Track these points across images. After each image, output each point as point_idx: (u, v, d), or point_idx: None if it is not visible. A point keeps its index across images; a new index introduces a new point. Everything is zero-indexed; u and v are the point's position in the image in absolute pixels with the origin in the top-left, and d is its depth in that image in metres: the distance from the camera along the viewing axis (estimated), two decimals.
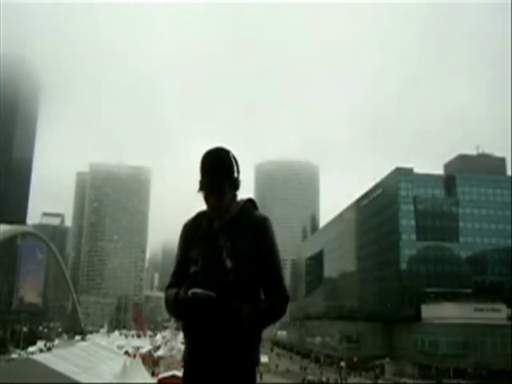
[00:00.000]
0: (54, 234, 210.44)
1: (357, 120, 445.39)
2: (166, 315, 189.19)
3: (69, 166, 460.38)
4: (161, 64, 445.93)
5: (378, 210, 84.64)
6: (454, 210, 79.00)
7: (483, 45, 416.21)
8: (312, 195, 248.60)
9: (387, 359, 69.81)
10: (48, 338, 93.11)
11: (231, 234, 2.16)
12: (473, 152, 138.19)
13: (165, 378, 30.25)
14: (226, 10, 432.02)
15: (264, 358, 67.77)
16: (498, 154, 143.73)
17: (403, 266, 76.26)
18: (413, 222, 77.17)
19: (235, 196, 2.22)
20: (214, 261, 2.13)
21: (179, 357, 60.63)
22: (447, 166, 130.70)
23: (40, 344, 78.66)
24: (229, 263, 2.11)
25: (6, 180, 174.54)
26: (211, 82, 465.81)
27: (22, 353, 66.29)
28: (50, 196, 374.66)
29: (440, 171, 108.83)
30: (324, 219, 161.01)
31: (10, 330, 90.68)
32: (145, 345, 73.46)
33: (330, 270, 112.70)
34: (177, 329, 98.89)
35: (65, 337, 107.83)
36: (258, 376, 2.32)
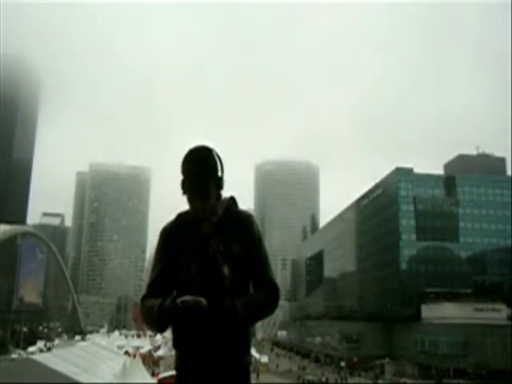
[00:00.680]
0: (54, 234, 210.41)
1: (357, 120, 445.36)
2: None
3: (69, 166, 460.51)
4: (161, 64, 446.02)
5: (377, 210, 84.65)
6: (453, 210, 79.01)
7: (483, 45, 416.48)
8: (312, 195, 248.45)
9: (387, 359, 69.81)
10: (48, 338, 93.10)
11: (223, 237, 2.10)
12: (473, 152, 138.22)
13: (165, 378, 30.23)
14: (225, 10, 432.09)
15: (264, 358, 67.83)
16: (498, 153, 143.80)
17: (403, 266, 76.28)
18: (413, 222, 77.18)
19: (220, 196, 2.16)
20: (210, 267, 2.05)
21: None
22: (447, 166, 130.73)
23: (40, 344, 78.64)
24: (226, 270, 2.05)
25: (6, 180, 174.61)
26: (211, 81, 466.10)
27: (22, 353, 66.29)
28: (50, 196, 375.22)
29: (440, 171, 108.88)
30: (324, 219, 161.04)
31: (10, 330, 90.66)
32: (145, 345, 73.50)
33: (329, 269, 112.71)
34: None
35: (65, 337, 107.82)
36: (254, 376, 2.31)
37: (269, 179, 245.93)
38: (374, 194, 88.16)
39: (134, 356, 29.41)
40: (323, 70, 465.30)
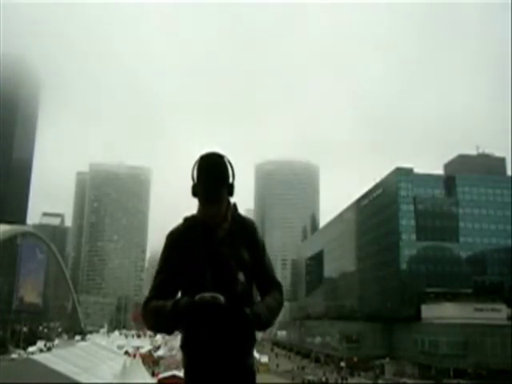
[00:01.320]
0: (54, 234, 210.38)
1: (357, 120, 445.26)
2: None
3: (69, 166, 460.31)
4: (161, 64, 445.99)
5: (377, 210, 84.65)
6: (454, 210, 79.00)
7: (483, 45, 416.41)
8: (312, 195, 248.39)
9: (387, 359, 69.81)
10: (48, 338, 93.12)
11: (234, 242, 2.17)
12: (473, 152, 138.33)
13: (165, 378, 30.30)
14: (225, 10, 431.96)
15: (264, 358, 67.84)
16: (498, 153, 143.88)
17: (403, 266, 76.27)
18: (413, 222, 77.17)
19: (229, 202, 2.22)
20: (223, 272, 2.10)
21: (179, 357, 60.74)
22: (447, 166, 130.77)
23: (40, 344, 78.67)
24: (239, 275, 2.12)
25: (6, 180, 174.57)
26: (211, 81, 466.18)
27: (22, 353, 66.32)
28: (50, 196, 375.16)
29: (440, 171, 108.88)
30: (324, 219, 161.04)
31: (10, 330, 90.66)
32: (145, 345, 73.54)
33: (329, 269, 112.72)
34: None
35: (65, 337, 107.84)
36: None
37: (269, 179, 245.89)
38: (374, 194, 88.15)
39: (134, 356, 29.44)
40: (323, 69, 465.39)
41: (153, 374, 36.01)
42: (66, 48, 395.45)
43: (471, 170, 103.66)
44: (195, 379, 2.11)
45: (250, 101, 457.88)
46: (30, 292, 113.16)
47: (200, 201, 2.14)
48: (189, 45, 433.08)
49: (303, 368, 72.90)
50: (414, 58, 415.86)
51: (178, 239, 2.19)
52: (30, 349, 71.36)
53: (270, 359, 73.56)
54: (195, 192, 2.12)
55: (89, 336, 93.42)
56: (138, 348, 63.46)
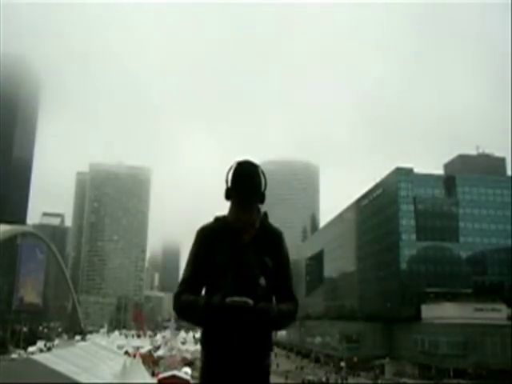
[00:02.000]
0: (54, 234, 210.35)
1: (357, 120, 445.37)
2: (165, 315, 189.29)
3: (69, 166, 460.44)
4: (161, 64, 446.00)
5: (377, 210, 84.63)
6: (454, 210, 78.98)
7: (483, 45, 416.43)
8: (312, 195, 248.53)
9: (387, 359, 69.77)
10: (48, 338, 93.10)
11: (258, 249, 2.26)
12: (473, 152, 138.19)
13: (165, 378, 30.27)
14: (224, 10, 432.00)
15: None
16: (498, 154, 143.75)
17: (403, 266, 76.24)
18: (413, 222, 77.14)
19: (259, 210, 2.36)
20: (246, 275, 2.21)
21: (179, 357, 60.74)
22: (447, 166, 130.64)
23: (40, 344, 78.65)
24: (261, 279, 2.22)
25: (6, 180, 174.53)
26: (211, 82, 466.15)
27: (22, 353, 66.28)
28: (50, 196, 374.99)
29: (440, 171, 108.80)
30: (324, 219, 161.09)
31: (10, 330, 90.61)
32: (145, 345, 73.49)
33: (329, 269, 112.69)
34: (177, 329, 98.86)
35: (65, 337, 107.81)
36: None
37: (269, 179, 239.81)
38: (374, 194, 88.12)
39: (134, 356, 29.45)
40: (323, 70, 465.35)
41: (153, 374, 35.98)
42: (65, 48, 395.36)
43: (471, 170, 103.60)
44: (212, 376, 2.22)
45: (250, 101, 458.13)
46: (30, 292, 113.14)
47: (233, 205, 2.27)
48: (189, 45, 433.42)
49: (302, 368, 72.93)
50: (414, 59, 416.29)
51: (207, 236, 2.30)
52: (30, 349, 71.31)
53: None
54: (228, 195, 2.26)
55: (89, 336, 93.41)
56: (138, 348, 63.42)
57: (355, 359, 72.10)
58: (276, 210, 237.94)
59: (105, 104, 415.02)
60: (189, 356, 61.23)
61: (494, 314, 63.65)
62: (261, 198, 2.29)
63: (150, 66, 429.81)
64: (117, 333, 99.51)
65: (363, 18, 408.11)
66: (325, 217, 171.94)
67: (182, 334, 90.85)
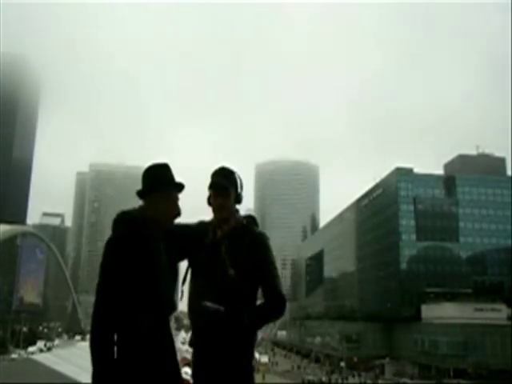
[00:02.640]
0: (53, 234, 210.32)
1: (357, 120, 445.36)
2: None
3: (69, 166, 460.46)
4: (161, 64, 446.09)
5: (378, 209, 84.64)
6: (453, 210, 79.00)
7: (483, 45, 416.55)
8: (312, 195, 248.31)
9: (387, 359, 69.78)
10: (48, 338, 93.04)
11: (231, 245, 2.36)
12: (473, 152, 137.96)
13: None
14: (221, 9, 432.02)
15: (264, 358, 67.86)
16: (497, 154, 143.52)
17: (403, 266, 76.27)
18: (413, 222, 77.16)
19: (237, 210, 2.49)
20: (215, 268, 2.33)
21: (179, 357, 60.54)
22: (447, 166, 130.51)
23: (40, 344, 78.57)
24: (231, 271, 2.30)
25: (6, 180, 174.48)
26: (211, 82, 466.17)
27: (22, 353, 66.21)
28: (50, 196, 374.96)
29: (440, 171, 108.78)
30: (324, 219, 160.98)
31: (10, 330, 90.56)
32: None
33: (329, 270, 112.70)
34: (177, 329, 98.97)
35: (65, 337, 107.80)
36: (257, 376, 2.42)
37: (269, 179, 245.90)
38: (374, 194, 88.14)
39: None
40: (323, 69, 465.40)
41: None
42: (66, 48, 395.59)
43: (471, 170, 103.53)
44: (197, 373, 2.36)
45: (249, 101, 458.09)
46: (30, 292, 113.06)
47: (210, 193, 2.47)
48: (188, 45, 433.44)
49: (299, 367, 73.07)
50: (414, 58, 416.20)
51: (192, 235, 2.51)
52: (30, 349, 71.24)
53: (269, 360, 73.59)
54: (209, 200, 2.47)
55: (89, 336, 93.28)
56: None
57: (355, 359, 72.13)
58: (276, 210, 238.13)
59: (105, 104, 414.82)
60: (189, 356, 61.18)
61: (494, 313, 63.68)
62: (235, 196, 2.45)
63: (150, 67, 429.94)
64: None
65: (363, 15, 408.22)
66: (325, 217, 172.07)
67: (182, 334, 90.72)
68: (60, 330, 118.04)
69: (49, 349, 65.34)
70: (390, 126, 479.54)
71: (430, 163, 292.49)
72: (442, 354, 60.79)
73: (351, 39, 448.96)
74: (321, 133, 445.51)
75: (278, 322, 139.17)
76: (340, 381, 60.77)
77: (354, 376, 63.88)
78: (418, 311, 69.67)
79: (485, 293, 70.86)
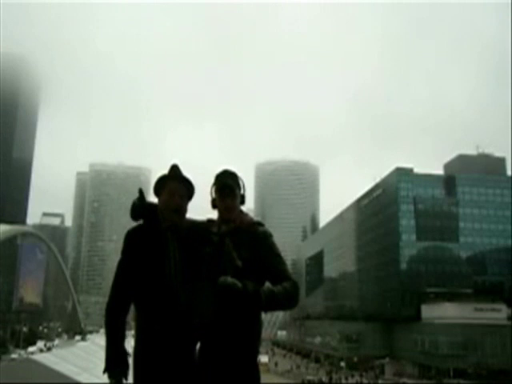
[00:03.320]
0: (53, 234, 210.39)
1: (357, 120, 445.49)
2: None
3: (69, 166, 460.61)
4: (161, 64, 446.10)
5: (378, 209, 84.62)
6: (453, 210, 78.97)
7: (483, 44, 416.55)
8: (312, 195, 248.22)
9: (387, 359, 69.79)
10: (48, 338, 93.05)
11: (235, 239, 2.42)
12: (473, 152, 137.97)
13: None
14: (222, 9, 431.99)
15: (264, 358, 67.83)
16: (497, 154, 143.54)
17: (403, 265, 76.24)
18: (413, 222, 77.13)
19: (241, 210, 2.56)
20: (221, 260, 2.37)
21: None
22: (447, 166, 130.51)
23: (40, 344, 78.59)
24: (237, 262, 2.34)
25: (6, 180, 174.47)
26: (211, 82, 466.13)
27: (22, 353, 66.21)
28: (50, 196, 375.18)
29: (440, 171, 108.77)
30: (324, 219, 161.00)
31: (10, 330, 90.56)
32: None
33: (329, 270, 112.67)
34: None
35: (65, 337, 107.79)
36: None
37: (269, 179, 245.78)
38: (374, 194, 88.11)
39: None
40: (323, 69, 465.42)
41: None
42: (66, 48, 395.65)
43: (471, 170, 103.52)
44: (205, 371, 2.34)
45: (249, 101, 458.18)
46: (30, 292, 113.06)
47: (217, 195, 2.52)
48: (188, 45, 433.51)
49: (298, 367, 73.12)
50: (414, 58, 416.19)
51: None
52: (30, 349, 71.23)
53: (269, 360, 73.63)
54: (214, 205, 2.54)
55: (89, 336, 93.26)
56: None
57: (355, 359, 72.13)
58: (276, 210, 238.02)
59: (105, 104, 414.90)
60: None
61: (494, 314, 63.67)
62: (240, 199, 2.53)
63: (150, 67, 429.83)
64: None
65: (364, 15, 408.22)
66: (325, 217, 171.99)
67: None
68: (60, 330, 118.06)
69: (49, 349, 65.33)
70: (390, 126, 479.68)
71: (430, 163, 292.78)
72: (442, 354, 60.79)
73: (351, 39, 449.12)
74: (321, 133, 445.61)
75: (278, 322, 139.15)
76: (340, 381, 60.69)
77: (352, 376, 63.81)
78: (418, 311, 69.66)
79: (485, 293, 70.83)
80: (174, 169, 2.54)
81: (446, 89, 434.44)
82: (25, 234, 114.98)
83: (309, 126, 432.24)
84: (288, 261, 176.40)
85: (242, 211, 2.56)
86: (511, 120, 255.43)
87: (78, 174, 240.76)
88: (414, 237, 76.81)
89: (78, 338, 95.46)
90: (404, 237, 76.98)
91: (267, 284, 2.35)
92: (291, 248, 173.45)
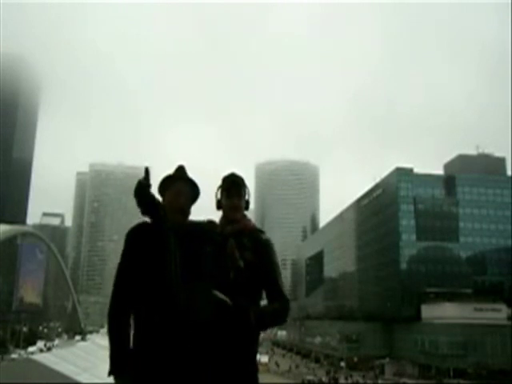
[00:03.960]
0: (53, 234, 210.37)
1: (357, 120, 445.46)
2: None
3: (69, 166, 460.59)
4: (161, 64, 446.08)
5: (378, 209, 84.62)
6: (453, 210, 78.96)
7: (483, 44, 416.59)
8: (312, 195, 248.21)
9: (387, 359, 69.79)
10: (48, 338, 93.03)
11: (239, 241, 2.41)
12: (473, 152, 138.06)
13: None
14: (222, 9, 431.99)
15: (264, 358, 67.84)
16: (497, 154, 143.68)
17: (403, 265, 76.24)
18: (413, 222, 77.12)
19: (245, 215, 2.59)
20: (223, 260, 2.37)
21: None
22: (447, 166, 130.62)
23: (40, 344, 78.58)
24: (240, 262, 2.35)
25: (6, 180, 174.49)
26: (211, 82, 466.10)
27: (22, 353, 66.21)
28: (50, 196, 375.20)
29: (440, 171, 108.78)
30: (324, 219, 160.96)
31: (10, 330, 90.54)
32: None
33: (329, 270, 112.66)
34: None
35: (65, 337, 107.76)
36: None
37: (269, 179, 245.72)
38: (374, 194, 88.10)
39: None
40: (323, 69, 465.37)
41: None
42: (66, 48, 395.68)
43: (471, 170, 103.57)
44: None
45: (249, 101, 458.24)
46: (30, 292, 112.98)
47: (224, 195, 2.55)
48: (187, 45, 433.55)
49: (297, 366, 73.17)
50: (414, 58, 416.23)
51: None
52: (30, 349, 71.23)
53: (269, 360, 73.68)
54: (219, 205, 2.57)
55: (89, 336, 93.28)
56: None
57: (355, 359, 72.13)
58: (276, 210, 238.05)
59: (105, 104, 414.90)
60: None
61: (494, 314, 63.69)
62: (245, 203, 2.57)
63: (150, 67, 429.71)
64: None
65: (363, 15, 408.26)
66: (325, 217, 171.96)
67: None
68: (60, 330, 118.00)
69: (49, 349, 65.34)
70: (390, 125, 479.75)
71: (430, 163, 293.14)
72: (442, 354, 60.79)
73: (352, 38, 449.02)
74: (321, 133, 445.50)
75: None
76: (337, 381, 60.70)
77: (351, 376, 63.79)
78: (418, 311, 69.65)
79: (485, 293, 70.84)
80: (181, 170, 2.55)
81: (446, 89, 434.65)
82: (25, 234, 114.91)
83: (309, 125, 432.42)
84: (288, 261, 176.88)
85: (245, 216, 2.59)
86: (511, 120, 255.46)
87: (78, 174, 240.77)
88: (414, 237, 76.80)
89: (78, 337, 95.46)
90: (404, 237, 76.97)
91: (256, 306, 2.36)
92: (291, 248, 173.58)
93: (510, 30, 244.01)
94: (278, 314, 2.35)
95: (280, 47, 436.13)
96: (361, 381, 60.84)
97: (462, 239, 77.76)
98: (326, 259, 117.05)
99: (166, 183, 2.53)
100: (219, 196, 2.56)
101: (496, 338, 59.23)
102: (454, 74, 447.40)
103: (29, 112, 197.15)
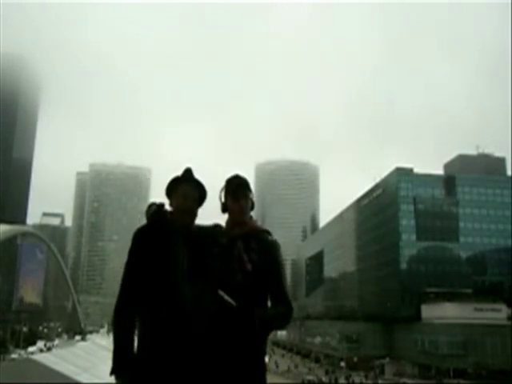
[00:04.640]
0: (53, 234, 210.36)
1: (357, 120, 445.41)
2: None
3: (69, 166, 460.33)
4: (161, 64, 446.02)
5: (378, 209, 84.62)
6: (453, 210, 78.97)
7: (483, 44, 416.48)
8: (312, 195, 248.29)
9: (387, 359, 69.77)
10: (48, 338, 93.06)
11: (246, 244, 2.43)
12: (473, 152, 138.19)
13: None
14: (221, 8, 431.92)
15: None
16: (497, 154, 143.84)
17: (403, 265, 76.24)
18: (413, 222, 77.12)
19: (251, 216, 2.59)
20: (230, 262, 2.38)
21: None
22: (447, 166, 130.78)
23: (40, 344, 78.62)
24: (247, 266, 2.36)
25: (6, 180, 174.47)
26: (211, 82, 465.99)
27: (22, 353, 66.23)
28: (50, 196, 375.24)
29: (440, 171, 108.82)
30: (324, 219, 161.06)
31: (10, 330, 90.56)
32: None
33: (329, 270, 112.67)
34: None
35: (65, 337, 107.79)
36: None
37: (269, 179, 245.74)
38: (374, 194, 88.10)
39: None
40: (323, 69, 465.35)
41: None
42: (66, 48, 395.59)
43: (471, 170, 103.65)
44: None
45: (249, 101, 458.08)
46: (29, 292, 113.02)
47: (230, 198, 2.53)
48: (187, 44, 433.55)
49: (296, 366, 73.19)
50: (414, 58, 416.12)
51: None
52: (30, 349, 71.25)
53: (269, 360, 73.72)
54: (225, 209, 2.55)
55: (89, 336, 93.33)
56: None
57: (355, 359, 72.11)
58: (276, 210, 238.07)
59: (105, 104, 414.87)
60: None
61: (494, 314, 63.68)
62: (251, 202, 2.56)
63: (150, 67, 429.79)
64: None
65: (363, 15, 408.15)
66: (325, 217, 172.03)
67: None
68: (60, 329, 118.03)
69: (49, 349, 65.34)
70: (390, 125, 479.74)
71: (430, 163, 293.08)
72: (442, 354, 60.77)
73: (351, 38, 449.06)
74: (321, 133, 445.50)
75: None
76: (339, 381, 60.66)
77: (351, 376, 63.75)
78: (418, 311, 69.65)
79: (485, 293, 70.83)
80: (188, 172, 2.57)
81: (446, 89, 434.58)
82: (25, 234, 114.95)
83: (309, 125, 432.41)
84: (288, 261, 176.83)
85: (251, 217, 2.59)
86: (511, 120, 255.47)
87: (78, 174, 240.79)
88: (413, 237, 76.81)
89: (78, 337, 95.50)
90: (404, 237, 76.97)
91: (265, 308, 2.39)
92: (291, 248, 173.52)
93: (510, 30, 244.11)
94: (282, 318, 2.37)
95: (280, 47, 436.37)
96: (363, 381, 60.81)
97: (461, 239, 77.76)
98: (325, 259, 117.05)
99: (174, 185, 2.55)
100: (223, 199, 2.55)
101: (496, 338, 59.21)
102: (454, 74, 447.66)
103: (29, 112, 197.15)
